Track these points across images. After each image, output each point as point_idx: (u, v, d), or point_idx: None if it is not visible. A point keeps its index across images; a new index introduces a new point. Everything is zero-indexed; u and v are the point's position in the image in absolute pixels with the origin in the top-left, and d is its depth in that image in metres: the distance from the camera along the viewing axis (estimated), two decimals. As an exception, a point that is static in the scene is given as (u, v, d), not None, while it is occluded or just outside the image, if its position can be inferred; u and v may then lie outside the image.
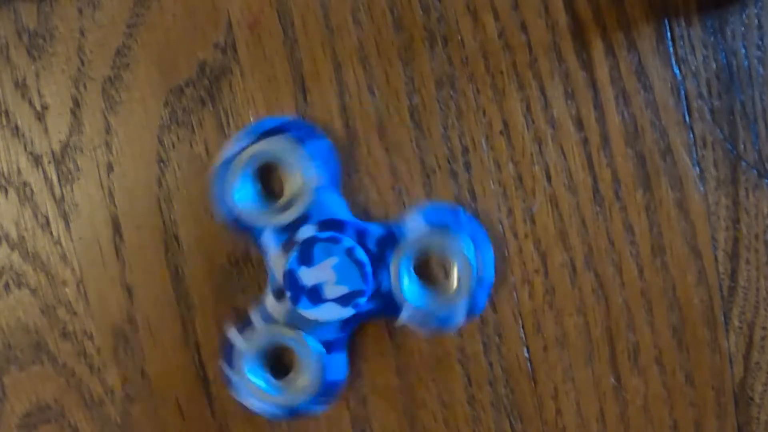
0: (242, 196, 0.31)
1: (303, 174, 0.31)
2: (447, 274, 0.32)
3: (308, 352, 0.31)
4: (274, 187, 0.32)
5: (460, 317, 0.31)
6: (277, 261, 0.31)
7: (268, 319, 0.31)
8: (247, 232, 0.31)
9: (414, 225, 0.31)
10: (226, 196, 0.31)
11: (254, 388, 0.32)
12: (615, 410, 0.32)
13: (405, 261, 0.31)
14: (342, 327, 0.31)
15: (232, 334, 0.32)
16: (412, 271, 0.31)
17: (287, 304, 0.31)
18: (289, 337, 0.31)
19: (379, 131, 0.32)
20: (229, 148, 0.31)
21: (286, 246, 0.31)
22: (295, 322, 0.31)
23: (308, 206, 0.31)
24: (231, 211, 0.31)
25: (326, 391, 0.32)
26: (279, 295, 0.31)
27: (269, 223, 0.31)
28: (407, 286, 0.31)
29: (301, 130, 0.31)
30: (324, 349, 0.31)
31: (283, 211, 0.31)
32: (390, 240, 0.31)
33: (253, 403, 0.32)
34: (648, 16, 0.31)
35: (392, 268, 0.31)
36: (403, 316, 0.31)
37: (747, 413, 0.32)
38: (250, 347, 0.32)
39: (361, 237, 0.31)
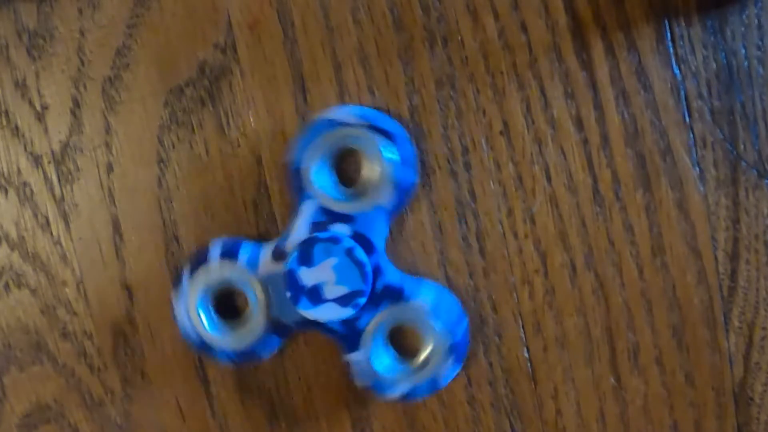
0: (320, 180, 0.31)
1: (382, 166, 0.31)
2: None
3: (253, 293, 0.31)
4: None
5: (421, 392, 0.31)
6: (302, 225, 0.31)
7: (250, 263, 0.31)
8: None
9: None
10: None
11: (200, 327, 0.32)
12: (615, 410, 0.32)
13: (381, 329, 0.31)
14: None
15: (186, 268, 0.32)
16: (387, 340, 0.32)
17: (280, 266, 0.31)
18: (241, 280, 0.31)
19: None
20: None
21: (319, 225, 0.31)
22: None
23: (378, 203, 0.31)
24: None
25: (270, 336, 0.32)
26: (279, 255, 0.31)
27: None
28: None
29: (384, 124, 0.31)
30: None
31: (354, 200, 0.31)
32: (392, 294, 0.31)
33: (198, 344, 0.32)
34: (648, 16, 0.31)
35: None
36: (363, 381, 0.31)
37: (747, 413, 0.32)
38: (202, 284, 0.32)
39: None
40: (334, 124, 0.30)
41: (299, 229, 0.31)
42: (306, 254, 0.30)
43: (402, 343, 0.32)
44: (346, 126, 0.30)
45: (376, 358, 0.31)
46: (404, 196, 0.31)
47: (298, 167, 0.31)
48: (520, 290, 0.32)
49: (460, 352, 0.31)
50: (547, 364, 0.32)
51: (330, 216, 0.31)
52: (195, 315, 0.31)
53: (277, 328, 0.32)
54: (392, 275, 0.31)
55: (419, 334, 0.32)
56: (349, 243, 0.30)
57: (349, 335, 0.31)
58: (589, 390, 0.32)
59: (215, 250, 0.31)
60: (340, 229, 0.31)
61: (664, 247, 0.32)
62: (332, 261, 0.30)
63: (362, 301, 0.30)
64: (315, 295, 0.30)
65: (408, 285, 0.31)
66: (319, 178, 0.31)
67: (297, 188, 0.31)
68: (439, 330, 0.31)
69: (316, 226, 0.31)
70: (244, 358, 0.32)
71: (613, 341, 0.32)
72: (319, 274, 0.30)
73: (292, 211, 0.31)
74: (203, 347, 0.32)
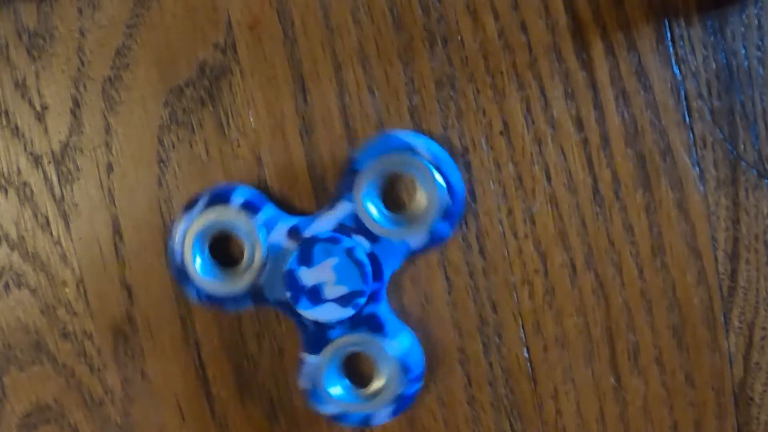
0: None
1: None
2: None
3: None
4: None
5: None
6: (329, 220, 0.31)
7: (267, 224, 0.31)
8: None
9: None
10: None
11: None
12: (615, 410, 0.32)
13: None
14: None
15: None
16: (344, 360, 0.32)
17: (289, 243, 0.31)
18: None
19: (379, 131, 0.32)
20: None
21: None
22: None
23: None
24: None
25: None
26: (294, 233, 0.31)
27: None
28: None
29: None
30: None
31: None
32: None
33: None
34: (648, 16, 0.31)
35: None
36: None
37: (747, 413, 0.32)
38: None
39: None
40: (408, 147, 0.30)
41: (325, 222, 0.31)
42: (306, 254, 0.30)
43: (357, 367, 0.33)
44: (417, 155, 0.30)
45: (329, 372, 0.31)
46: (433, 245, 0.31)
47: (357, 170, 0.31)
48: (520, 290, 0.32)
49: (401, 405, 0.32)
50: (547, 364, 0.32)
51: (358, 226, 0.31)
52: (190, 242, 0.31)
53: (255, 294, 0.31)
54: (383, 309, 0.31)
55: (377, 370, 0.32)
56: (349, 243, 0.30)
57: (317, 339, 0.31)
58: (589, 390, 0.32)
59: (239, 197, 0.31)
60: (360, 241, 0.31)
61: (664, 247, 0.32)
62: (332, 261, 0.30)
63: (362, 301, 0.30)
64: (315, 295, 0.30)
65: (391, 324, 0.31)
66: (369, 192, 0.31)
67: (343, 186, 0.31)
68: (396, 379, 0.31)
69: (342, 227, 0.31)
70: (210, 302, 0.31)
71: (613, 341, 0.32)
72: (319, 274, 0.30)
73: (327, 198, 0.31)
74: (180, 275, 0.31)
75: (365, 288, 0.30)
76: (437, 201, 0.30)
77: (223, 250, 0.32)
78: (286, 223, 0.31)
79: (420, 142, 0.31)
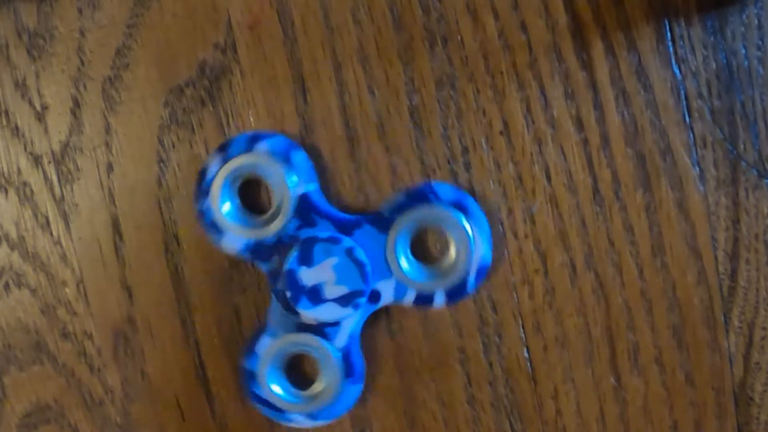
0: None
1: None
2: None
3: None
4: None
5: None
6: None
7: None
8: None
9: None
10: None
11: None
12: (615, 410, 0.32)
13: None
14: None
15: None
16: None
17: (311, 218, 0.31)
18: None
19: (379, 131, 0.32)
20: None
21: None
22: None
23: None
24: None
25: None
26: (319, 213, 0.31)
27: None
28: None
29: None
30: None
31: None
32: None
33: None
34: (648, 16, 0.31)
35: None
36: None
37: (747, 413, 0.32)
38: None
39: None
40: (456, 205, 0.31)
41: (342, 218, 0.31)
42: (306, 254, 0.30)
43: (300, 368, 0.33)
44: (453, 210, 0.31)
45: (273, 372, 0.32)
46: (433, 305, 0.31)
47: (395, 216, 0.31)
48: (520, 290, 0.32)
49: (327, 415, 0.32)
50: (547, 364, 0.32)
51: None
52: (221, 186, 0.31)
53: (257, 247, 0.31)
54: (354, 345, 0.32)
55: (319, 371, 0.32)
56: (349, 243, 0.30)
57: (282, 325, 0.31)
58: (589, 390, 0.32)
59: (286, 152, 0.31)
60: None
61: (664, 247, 0.32)
62: (332, 261, 0.30)
63: (362, 300, 0.30)
64: (315, 295, 0.30)
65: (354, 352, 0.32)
66: (402, 240, 0.31)
67: (388, 212, 0.31)
68: (333, 391, 0.32)
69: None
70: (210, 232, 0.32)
71: (613, 341, 0.32)
72: (319, 273, 0.30)
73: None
74: (211, 223, 0.31)
75: (365, 288, 0.30)
76: (470, 275, 0.31)
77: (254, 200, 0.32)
78: (323, 208, 0.31)
79: (469, 203, 0.31)
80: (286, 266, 0.30)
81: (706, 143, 0.31)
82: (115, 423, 0.34)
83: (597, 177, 0.32)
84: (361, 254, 0.30)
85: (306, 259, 0.30)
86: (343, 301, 0.30)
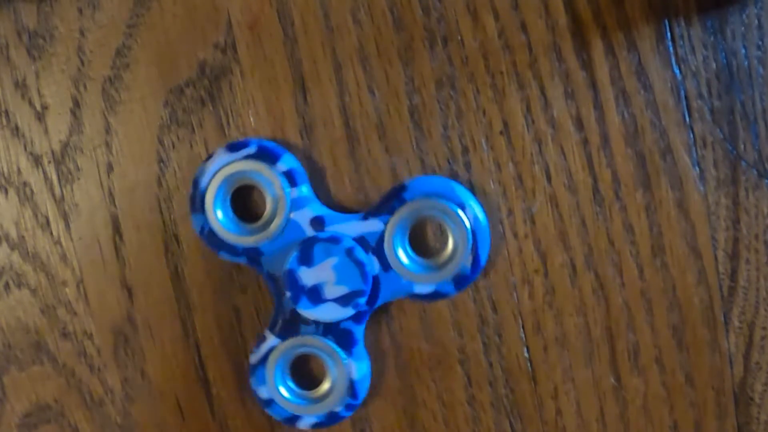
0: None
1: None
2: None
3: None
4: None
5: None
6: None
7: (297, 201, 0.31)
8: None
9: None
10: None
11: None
12: (615, 410, 0.32)
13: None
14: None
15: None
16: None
17: (309, 228, 0.31)
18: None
19: (379, 131, 0.32)
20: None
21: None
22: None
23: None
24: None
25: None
26: (317, 222, 0.31)
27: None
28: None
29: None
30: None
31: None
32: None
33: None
34: (648, 16, 0.31)
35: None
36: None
37: (747, 413, 0.32)
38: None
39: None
40: (459, 205, 0.31)
41: (350, 228, 0.31)
42: (306, 254, 0.30)
43: (305, 369, 0.33)
44: (457, 215, 0.31)
45: (282, 359, 0.32)
46: (437, 298, 0.31)
47: (405, 199, 0.31)
48: (520, 290, 0.32)
49: (329, 420, 0.32)
50: (547, 364, 0.32)
51: (378, 248, 0.31)
52: (215, 186, 0.31)
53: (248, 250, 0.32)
54: (359, 331, 0.31)
55: (326, 373, 0.32)
56: (349, 243, 0.30)
57: (288, 325, 0.31)
58: (589, 390, 0.32)
59: (284, 163, 0.31)
60: (373, 262, 0.31)
61: (664, 247, 0.32)
62: (332, 261, 0.30)
63: (362, 300, 0.30)
64: (315, 295, 0.30)
65: (358, 348, 0.32)
66: (401, 235, 0.31)
67: (385, 205, 0.31)
68: (340, 399, 0.32)
69: (362, 240, 0.31)
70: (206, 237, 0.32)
71: (613, 341, 0.32)
72: (319, 273, 0.30)
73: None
74: (208, 235, 0.32)
75: (365, 288, 0.30)
76: (465, 266, 0.31)
77: (245, 206, 0.32)
78: (314, 210, 0.31)
79: (471, 203, 0.31)
80: (286, 266, 0.30)
81: (706, 143, 0.31)
82: (115, 423, 0.34)
83: (597, 177, 0.32)
84: (360, 254, 0.30)
85: (306, 259, 0.30)
86: (343, 301, 0.30)
